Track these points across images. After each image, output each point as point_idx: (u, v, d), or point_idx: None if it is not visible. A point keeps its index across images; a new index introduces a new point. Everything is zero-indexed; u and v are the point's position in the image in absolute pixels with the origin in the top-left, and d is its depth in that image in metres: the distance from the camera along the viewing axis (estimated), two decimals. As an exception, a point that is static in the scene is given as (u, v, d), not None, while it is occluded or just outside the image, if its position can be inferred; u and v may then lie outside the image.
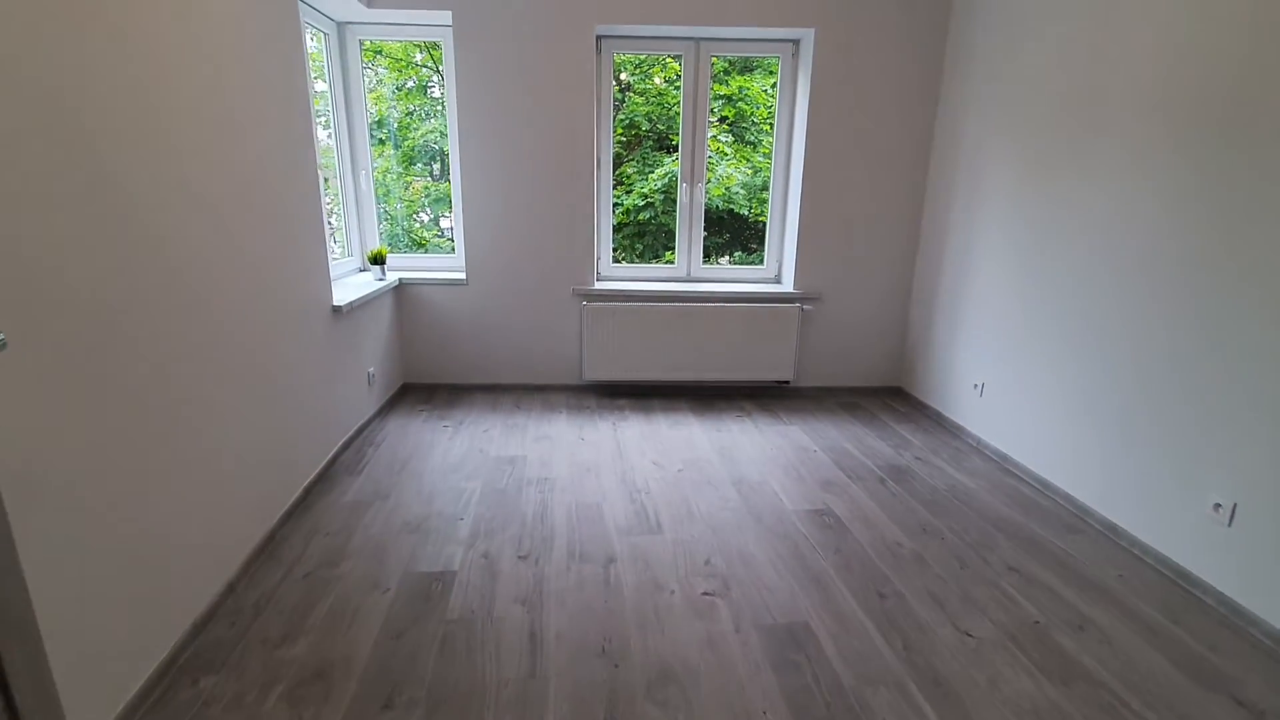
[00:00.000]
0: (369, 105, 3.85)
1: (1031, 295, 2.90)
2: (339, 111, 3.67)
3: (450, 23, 3.46)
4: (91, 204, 1.46)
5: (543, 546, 2.33)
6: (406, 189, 5.58)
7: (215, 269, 1.98)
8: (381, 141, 5.10)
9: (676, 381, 3.99)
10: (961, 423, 3.42)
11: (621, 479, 2.88)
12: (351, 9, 3.36)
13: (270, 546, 2.28)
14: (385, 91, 5.21)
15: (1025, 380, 2.94)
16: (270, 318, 2.36)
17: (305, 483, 2.65)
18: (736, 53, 3.87)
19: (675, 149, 5.59)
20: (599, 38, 3.66)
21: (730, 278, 4.18)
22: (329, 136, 3.66)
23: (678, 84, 5.29)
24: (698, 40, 3.70)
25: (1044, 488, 2.80)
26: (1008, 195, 3.06)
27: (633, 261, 5.78)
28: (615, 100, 5.45)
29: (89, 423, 1.45)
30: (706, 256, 4.11)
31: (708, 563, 2.25)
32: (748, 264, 5.89)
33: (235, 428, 2.09)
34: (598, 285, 3.89)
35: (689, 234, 4.02)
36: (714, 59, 3.81)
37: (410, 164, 5.54)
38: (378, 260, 3.60)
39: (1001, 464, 3.06)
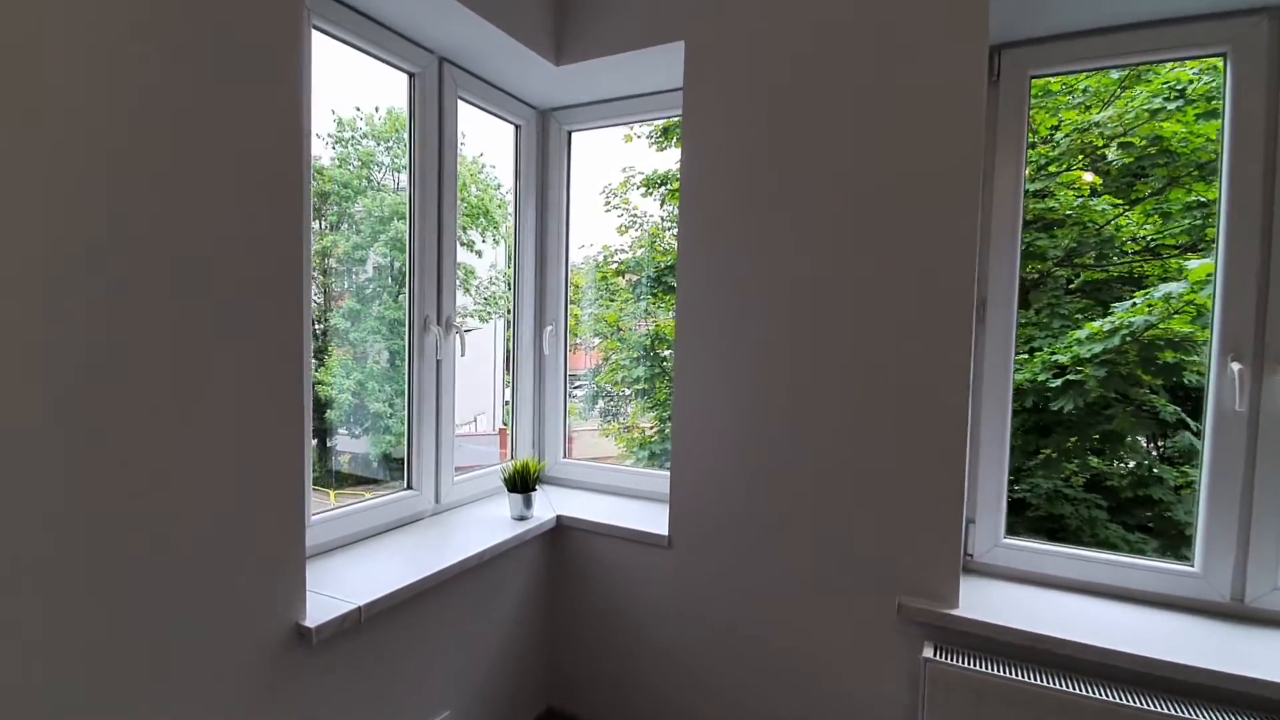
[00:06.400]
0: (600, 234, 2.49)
1: None
2: (527, 235, 2.35)
3: (681, 84, 1.86)
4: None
5: None
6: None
7: None
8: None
9: None
10: None
11: None
12: (543, 78, 2.07)
13: None
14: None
15: None
16: None
17: None
18: None
19: (1101, 286, 2.85)
20: (996, 48, 1.66)
21: None
22: (505, 270, 2.36)
23: (1177, 114, 2.63)
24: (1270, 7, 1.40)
25: None
26: None
27: (1038, 493, 2.99)
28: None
29: None
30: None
31: None
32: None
33: None
34: (966, 609, 1.54)
35: (1227, 492, 1.46)
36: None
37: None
38: (519, 485, 1.97)
39: None
